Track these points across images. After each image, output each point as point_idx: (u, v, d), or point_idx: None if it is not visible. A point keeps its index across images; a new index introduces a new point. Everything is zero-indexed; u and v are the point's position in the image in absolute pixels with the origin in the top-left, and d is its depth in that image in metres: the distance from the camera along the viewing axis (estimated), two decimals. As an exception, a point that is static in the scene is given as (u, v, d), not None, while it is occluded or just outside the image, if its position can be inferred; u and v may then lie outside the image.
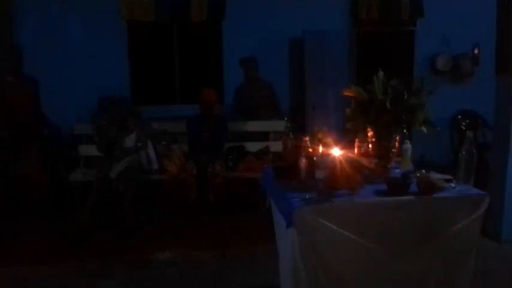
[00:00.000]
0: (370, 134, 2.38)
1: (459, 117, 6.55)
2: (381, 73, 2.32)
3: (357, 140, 2.51)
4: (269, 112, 5.22)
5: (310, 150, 2.36)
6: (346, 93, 2.40)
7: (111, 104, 4.52)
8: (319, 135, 2.47)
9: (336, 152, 2.24)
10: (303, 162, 2.26)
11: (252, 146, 4.97)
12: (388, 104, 2.23)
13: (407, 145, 2.54)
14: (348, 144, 2.43)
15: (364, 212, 2.07)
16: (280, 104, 5.46)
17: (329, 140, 2.48)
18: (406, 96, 2.27)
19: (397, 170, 2.46)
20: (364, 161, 2.35)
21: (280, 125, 4.98)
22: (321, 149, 2.44)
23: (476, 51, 6.45)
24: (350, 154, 2.34)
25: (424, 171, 2.26)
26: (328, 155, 2.28)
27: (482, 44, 6.20)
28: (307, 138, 2.39)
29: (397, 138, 2.41)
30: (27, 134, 4.41)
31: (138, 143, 4.39)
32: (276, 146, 4.77)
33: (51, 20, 5.53)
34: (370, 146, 2.40)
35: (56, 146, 4.84)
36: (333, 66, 5.77)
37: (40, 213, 4.40)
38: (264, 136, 5.16)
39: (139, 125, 4.47)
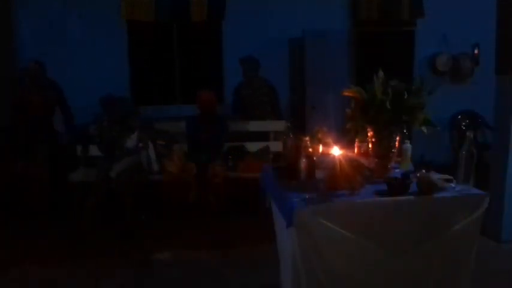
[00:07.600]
0: (370, 134, 2.38)
1: (459, 117, 6.56)
2: (380, 73, 2.32)
3: (357, 140, 2.51)
4: (266, 113, 5.16)
5: (310, 150, 2.36)
6: (346, 93, 2.40)
7: (113, 104, 4.53)
8: (319, 135, 2.47)
9: (336, 151, 2.24)
10: (303, 162, 2.26)
11: (252, 146, 4.96)
12: (388, 104, 2.23)
13: (407, 145, 2.55)
14: (348, 144, 2.44)
15: (364, 212, 2.07)
16: (281, 105, 5.41)
17: (329, 140, 2.49)
18: (406, 96, 2.27)
19: (397, 170, 2.46)
20: (364, 161, 2.35)
21: (280, 125, 4.98)
22: (321, 149, 2.44)
23: (476, 51, 6.44)
24: (350, 154, 2.34)
25: (424, 171, 2.26)
26: (328, 155, 2.29)
27: (482, 44, 6.19)
28: (307, 138, 2.39)
29: (397, 138, 2.41)
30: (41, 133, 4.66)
31: (139, 144, 4.39)
32: (276, 146, 4.78)
33: (51, 19, 5.53)
34: (370, 146, 2.40)
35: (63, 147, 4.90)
36: (333, 66, 5.76)
37: (40, 213, 4.39)
38: (264, 136, 5.16)
39: (140, 125, 4.47)
